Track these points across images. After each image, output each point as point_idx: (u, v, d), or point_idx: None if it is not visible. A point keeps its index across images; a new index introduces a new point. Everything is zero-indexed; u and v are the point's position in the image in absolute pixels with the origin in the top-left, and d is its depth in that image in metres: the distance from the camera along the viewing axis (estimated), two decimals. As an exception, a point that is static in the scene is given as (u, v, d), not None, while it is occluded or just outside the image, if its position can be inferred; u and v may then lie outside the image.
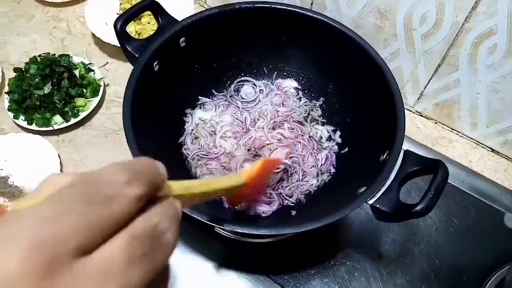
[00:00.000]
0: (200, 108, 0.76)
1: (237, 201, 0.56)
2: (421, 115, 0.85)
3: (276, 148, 0.70)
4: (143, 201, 0.20)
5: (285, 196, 0.67)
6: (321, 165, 0.70)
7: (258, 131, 0.72)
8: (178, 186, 0.26)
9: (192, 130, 0.73)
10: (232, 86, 0.78)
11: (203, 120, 0.74)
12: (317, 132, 0.74)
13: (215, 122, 0.74)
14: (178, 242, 0.22)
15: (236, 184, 0.41)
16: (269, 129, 0.72)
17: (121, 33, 0.60)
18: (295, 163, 0.69)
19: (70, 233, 0.17)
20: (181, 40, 0.65)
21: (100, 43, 0.92)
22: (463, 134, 0.83)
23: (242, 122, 0.73)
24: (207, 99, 0.76)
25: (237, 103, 0.76)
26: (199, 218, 0.49)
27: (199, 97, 0.76)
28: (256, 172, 0.47)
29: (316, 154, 0.71)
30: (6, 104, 0.80)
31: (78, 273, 0.17)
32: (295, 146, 0.71)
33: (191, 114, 0.74)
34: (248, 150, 0.70)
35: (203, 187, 0.30)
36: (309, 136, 0.73)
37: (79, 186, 0.19)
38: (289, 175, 0.69)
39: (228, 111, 0.75)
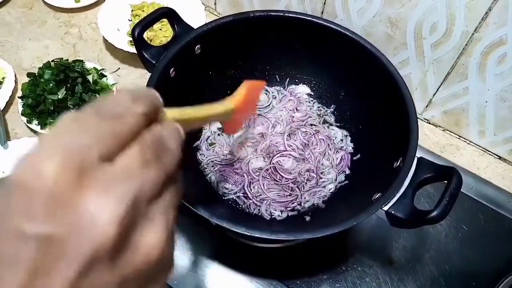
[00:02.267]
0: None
1: (234, 127, 0.57)
2: (429, 123, 0.86)
3: (291, 156, 0.71)
4: (148, 118, 0.24)
5: (303, 200, 0.68)
6: (337, 165, 0.72)
7: (275, 136, 0.73)
8: (173, 112, 0.29)
9: (209, 137, 0.74)
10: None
11: (220, 128, 0.75)
12: (332, 133, 0.75)
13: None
14: (180, 153, 0.26)
15: (226, 109, 0.44)
16: (287, 136, 0.73)
17: (138, 40, 0.61)
18: (311, 171, 0.71)
19: (92, 143, 0.21)
20: (196, 47, 0.66)
21: (111, 49, 0.93)
22: (471, 141, 0.84)
23: (260, 129, 0.74)
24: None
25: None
26: (217, 222, 0.49)
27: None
28: (243, 97, 0.49)
29: (332, 153, 0.72)
30: (20, 108, 0.81)
31: (105, 173, 0.20)
32: (312, 143, 0.73)
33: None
34: (264, 156, 0.71)
35: (195, 112, 0.34)
36: (326, 135, 0.74)
37: (92, 110, 0.23)
38: (307, 180, 0.70)
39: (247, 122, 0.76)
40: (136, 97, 0.24)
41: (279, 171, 0.69)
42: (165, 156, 0.24)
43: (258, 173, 0.69)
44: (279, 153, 0.71)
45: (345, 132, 0.75)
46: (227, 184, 0.69)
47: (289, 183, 0.69)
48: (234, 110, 0.48)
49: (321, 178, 0.70)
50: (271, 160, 0.71)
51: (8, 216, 0.19)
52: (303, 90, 0.79)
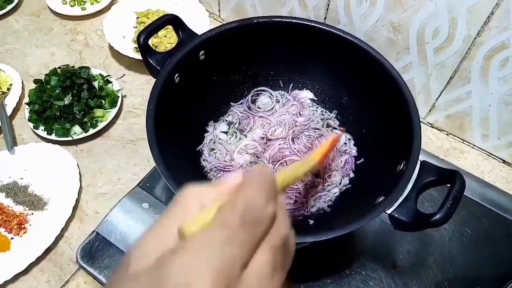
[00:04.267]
0: (223, 122, 0.78)
1: None
2: (433, 127, 0.87)
3: (297, 160, 0.71)
4: (275, 215, 0.24)
5: (309, 206, 0.69)
6: (341, 168, 0.72)
7: (278, 141, 0.74)
8: (279, 183, 0.29)
9: (211, 140, 0.74)
10: (249, 97, 0.80)
11: (224, 132, 0.76)
12: None
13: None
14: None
15: (313, 166, 0.45)
16: (291, 140, 0.74)
17: (144, 46, 0.62)
18: (317, 176, 0.71)
19: (238, 255, 0.22)
20: (200, 53, 0.67)
21: (116, 56, 0.95)
22: (474, 145, 0.84)
23: (264, 133, 0.75)
24: (228, 114, 0.79)
25: (256, 115, 0.78)
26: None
27: (220, 113, 0.78)
28: (325, 151, 0.51)
29: (336, 156, 0.73)
30: (27, 114, 0.82)
31: (244, 284, 0.21)
32: (316, 146, 0.74)
33: (214, 127, 0.77)
34: (268, 161, 0.72)
35: (292, 177, 0.34)
36: None
37: (235, 211, 0.23)
38: (313, 186, 0.70)
39: (250, 127, 0.77)
40: (269, 196, 0.24)
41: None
42: (287, 255, 0.25)
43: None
44: (283, 158, 0.71)
45: (348, 136, 0.76)
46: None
47: (294, 192, 0.69)
48: (320, 163, 0.49)
49: (326, 181, 0.70)
50: (275, 167, 0.71)
51: None
52: (306, 95, 0.80)
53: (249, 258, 0.22)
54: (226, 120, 0.78)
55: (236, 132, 0.76)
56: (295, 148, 0.72)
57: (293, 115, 0.77)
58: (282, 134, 0.75)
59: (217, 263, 0.21)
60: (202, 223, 0.23)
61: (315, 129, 0.76)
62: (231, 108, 0.79)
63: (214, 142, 0.74)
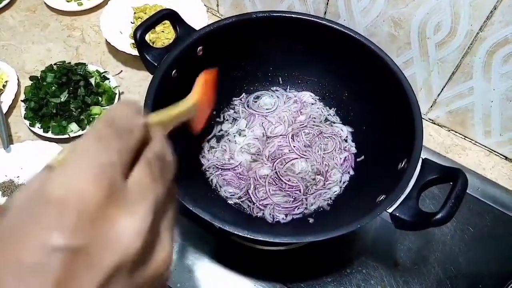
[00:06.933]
0: (222, 119, 0.77)
1: (200, 122, 0.54)
2: (434, 123, 0.86)
3: (296, 158, 0.70)
4: (146, 128, 0.25)
5: (308, 204, 0.68)
6: (341, 165, 0.71)
7: (278, 139, 0.73)
8: (152, 117, 0.30)
9: (210, 137, 0.74)
10: (249, 98, 0.79)
11: (223, 130, 0.75)
12: (336, 130, 0.75)
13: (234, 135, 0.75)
14: (173, 164, 0.27)
15: (193, 103, 0.45)
16: (291, 138, 0.73)
17: (140, 42, 0.61)
18: (317, 173, 0.70)
19: (117, 159, 0.22)
20: (198, 49, 0.66)
21: (114, 52, 0.93)
22: (476, 141, 0.83)
23: (263, 132, 0.74)
24: (230, 112, 0.78)
25: (256, 112, 0.77)
26: (220, 225, 0.49)
27: (219, 109, 0.77)
28: (202, 88, 0.50)
29: (337, 153, 0.72)
30: (23, 112, 0.81)
31: (127, 191, 0.22)
32: (316, 144, 0.73)
33: (213, 124, 0.76)
34: (270, 162, 0.71)
35: (170, 112, 0.35)
36: (331, 134, 0.74)
37: (108, 126, 0.23)
38: (314, 184, 0.69)
39: (250, 125, 0.76)
40: (137, 109, 0.25)
41: (284, 177, 0.69)
42: (166, 168, 0.25)
43: (264, 179, 0.69)
44: (282, 156, 0.71)
45: (350, 128, 0.75)
46: (230, 188, 0.69)
47: (294, 190, 0.68)
48: (199, 101, 0.48)
49: (327, 180, 0.69)
50: (274, 164, 0.70)
51: (34, 228, 0.19)
52: (306, 91, 0.78)
53: (128, 167, 0.23)
54: (225, 117, 0.77)
55: (235, 130, 0.75)
56: (294, 146, 0.72)
57: (294, 112, 0.76)
58: (282, 131, 0.74)
59: (96, 166, 0.21)
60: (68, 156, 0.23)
61: (314, 126, 0.75)
62: (230, 105, 0.78)
63: (213, 140, 0.73)
